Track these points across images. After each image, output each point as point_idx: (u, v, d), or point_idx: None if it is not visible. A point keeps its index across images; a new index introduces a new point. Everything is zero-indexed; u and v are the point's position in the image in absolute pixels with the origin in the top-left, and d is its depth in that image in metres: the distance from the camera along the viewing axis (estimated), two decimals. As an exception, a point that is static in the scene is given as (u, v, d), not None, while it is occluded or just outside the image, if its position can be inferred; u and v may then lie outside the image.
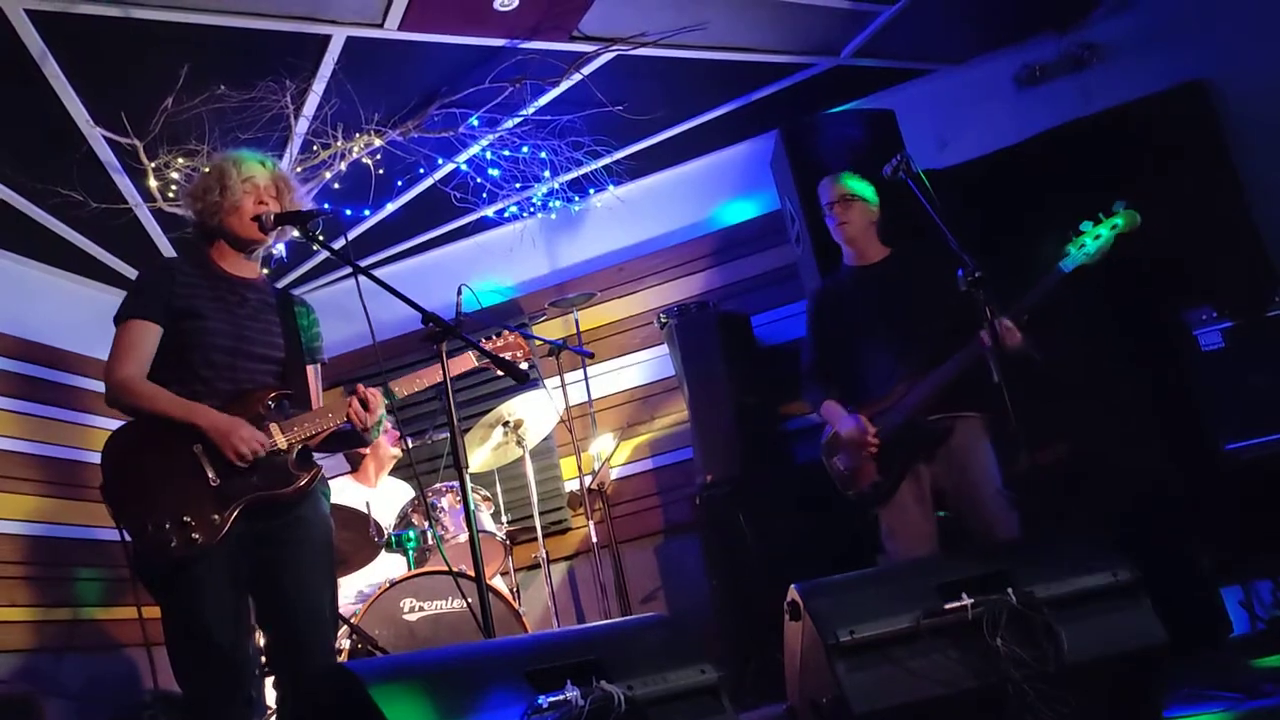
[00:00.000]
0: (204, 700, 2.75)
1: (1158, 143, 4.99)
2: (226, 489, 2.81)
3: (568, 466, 6.05)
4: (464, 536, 4.58)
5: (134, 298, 2.98)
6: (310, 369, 3.18)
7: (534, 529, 5.24)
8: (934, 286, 3.89)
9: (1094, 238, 3.62)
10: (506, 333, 3.54)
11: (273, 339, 3.05)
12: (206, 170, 3.16)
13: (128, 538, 2.76)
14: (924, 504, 3.84)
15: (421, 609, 4.32)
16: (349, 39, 4.54)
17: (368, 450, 5.08)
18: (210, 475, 2.80)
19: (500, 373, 3.26)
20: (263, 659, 3.08)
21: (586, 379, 5.84)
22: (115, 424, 2.90)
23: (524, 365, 3.36)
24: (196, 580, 2.74)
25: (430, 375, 3.24)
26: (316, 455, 3.09)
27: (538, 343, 5.76)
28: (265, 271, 3.34)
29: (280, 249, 5.51)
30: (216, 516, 2.76)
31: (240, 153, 3.13)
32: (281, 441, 2.92)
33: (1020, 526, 3.73)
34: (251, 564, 2.84)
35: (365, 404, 3.01)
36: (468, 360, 3.42)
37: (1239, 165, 5.01)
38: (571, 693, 2.29)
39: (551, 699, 2.27)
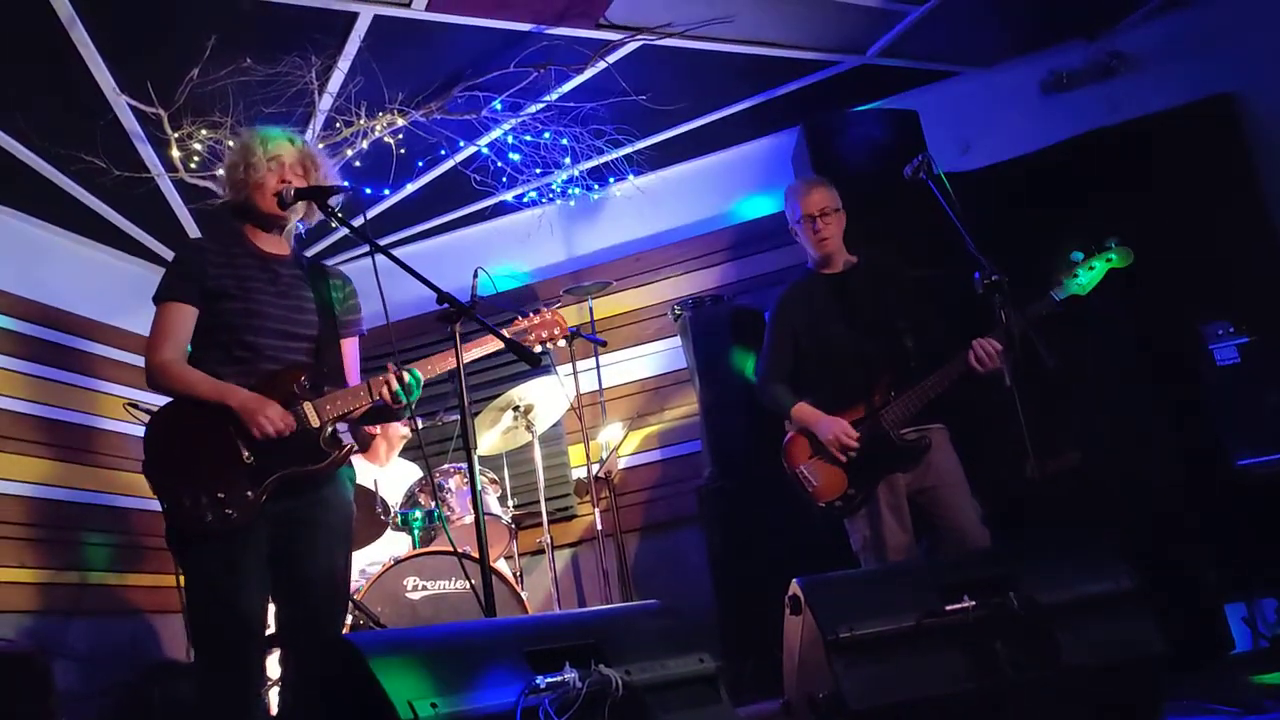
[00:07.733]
0: (216, 667, 2.80)
1: (1181, 155, 4.95)
2: (260, 466, 2.85)
3: (576, 454, 6.05)
4: (470, 518, 4.59)
5: (170, 279, 3.00)
6: (347, 342, 3.19)
7: (540, 514, 5.25)
8: (902, 295, 3.93)
9: (1088, 269, 3.66)
10: (543, 309, 3.42)
11: (305, 316, 3.06)
12: (234, 146, 3.17)
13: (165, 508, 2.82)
14: (900, 513, 3.75)
15: (424, 588, 4.34)
16: (376, 17, 4.54)
17: (378, 431, 5.10)
18: (245, 453, 2.85)
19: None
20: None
21: (598, 367, 5.84)
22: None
23: (537, 349, 3.33)
24: (225, 553, 2.79)
25: (448, 360, 3.20)
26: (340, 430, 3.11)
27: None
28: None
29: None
30: (250, 493, 2.82)
31: (268, 130, 3.11)
32: (314, 419, 2.95)
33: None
34: (275, 541, 2.88)
35: (401, 383, 3.02)
36: (492, 340, 3.37)
37: (1262, 181, 4.98)
38: (569, 674, 2.30)
39: (549, 680, 2.28)
